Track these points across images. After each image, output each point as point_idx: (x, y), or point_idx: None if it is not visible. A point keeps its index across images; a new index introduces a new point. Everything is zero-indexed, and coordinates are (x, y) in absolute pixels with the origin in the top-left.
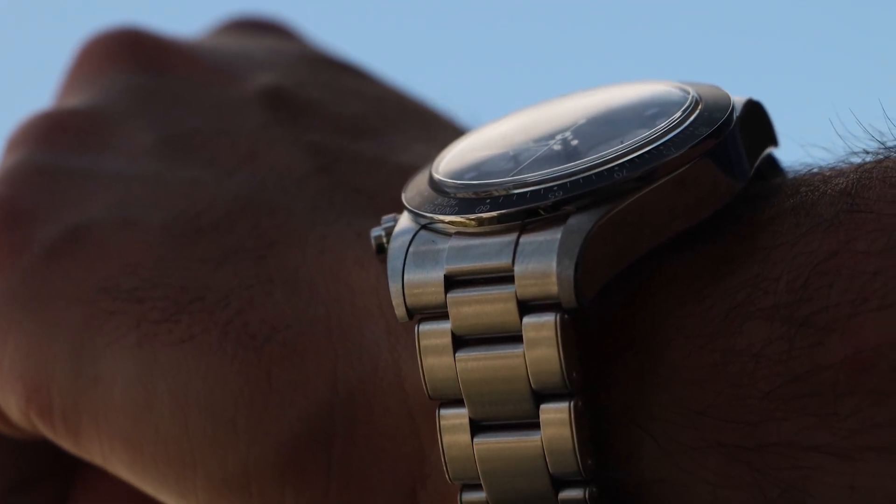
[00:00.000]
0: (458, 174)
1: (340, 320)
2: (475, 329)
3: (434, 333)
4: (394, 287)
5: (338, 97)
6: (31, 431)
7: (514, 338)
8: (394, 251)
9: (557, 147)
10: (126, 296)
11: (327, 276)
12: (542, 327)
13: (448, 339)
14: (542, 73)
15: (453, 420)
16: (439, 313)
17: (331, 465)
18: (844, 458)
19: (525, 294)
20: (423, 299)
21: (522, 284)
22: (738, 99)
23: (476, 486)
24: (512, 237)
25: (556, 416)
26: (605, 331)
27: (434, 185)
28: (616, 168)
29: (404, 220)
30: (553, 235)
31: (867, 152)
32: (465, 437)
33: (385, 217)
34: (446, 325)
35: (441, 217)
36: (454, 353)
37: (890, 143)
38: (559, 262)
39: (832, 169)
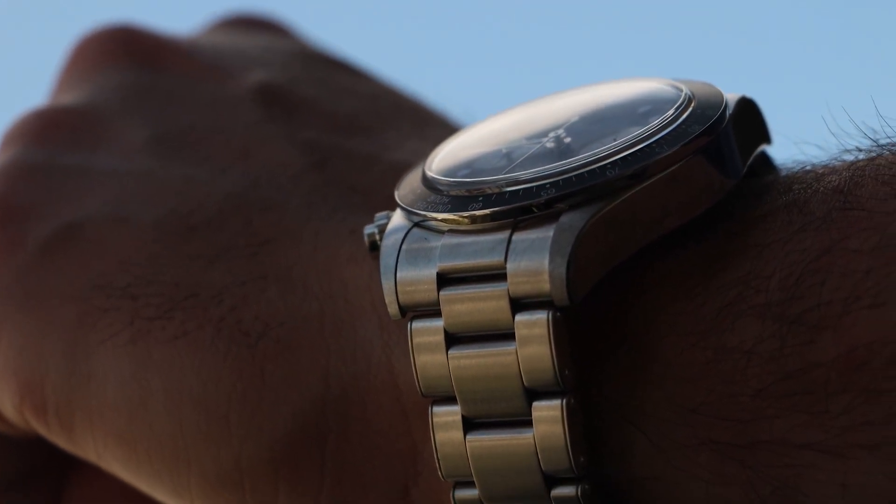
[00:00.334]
0: (451, 172)
1: (334, 317)
2: (468, 327)
3: (426, 331)
4: (386, 285)
5: (332, 94)
6: (25, 429)
7: (507, 335)
8: (387, 249)
9: (550, 145)
10: (120, 293)
11: (321, 272)
12: (534, 325)
13: (441, 337)
14: (536, 71)
15: (446, 417)
16: (432, 311)
17: (324, 462)
18: (836, 456)
19: (517, 292)
20: (416, 297)
21: (515, 282)
22: (731, 96)
23: (469, 484)
24: (504, 235)
25: (548, 413)
26: (598, 328)
27: (427, 182)
28: (608, 166)
29: (397, 218)
30: (545, 233)
31: (860, 150)
32: (458, 434)
33: (378, 214)
34: (439, 323)
35: (434, 215)
36: (447, 350)
37: (883, 141)
38: (551, 260)
39: (825, 167)
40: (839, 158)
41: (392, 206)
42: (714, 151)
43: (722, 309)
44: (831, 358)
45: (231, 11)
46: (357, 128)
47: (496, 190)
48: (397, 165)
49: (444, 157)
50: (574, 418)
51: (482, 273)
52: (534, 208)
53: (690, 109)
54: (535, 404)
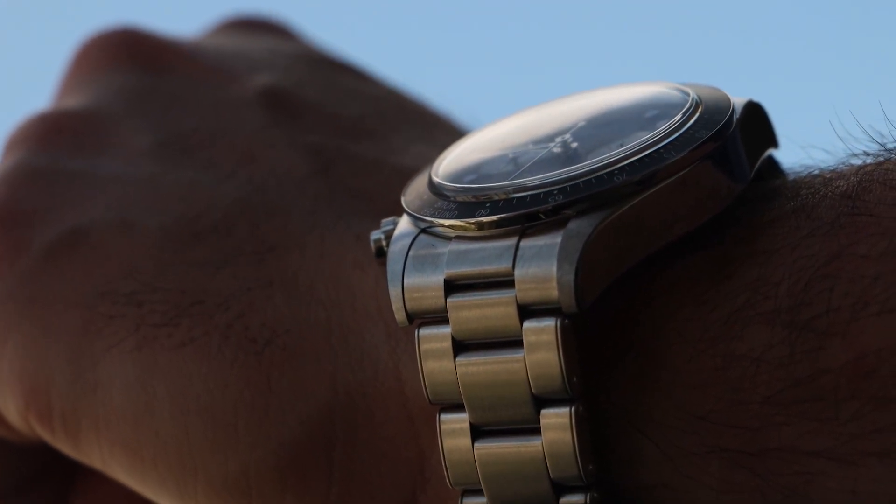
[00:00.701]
0: (458, 177)
1: (340, 324)
2: (475, 333)
3: (434, 338)
4: (394, 291)
5: (337, 97)
6: (30, 435)
7: (515, 342)
8: (393, 255)
9: (557, 150)
10: (125, 300)
11: (327, 279)
12: (542, 332)
13: (448, 344)
14: (543, 74)
15: (454, 425)
16: (439, 317)
17: (331, 469)
18: (846, 463)
19: (525, 299)
20: (423, 304)
21: (523, 289)
22: (738, 100)
23: (477, 492)
24: (512, 241)
25: (556, 420)
26: (606, 335)
27: (433, 188)
28: (616, 172)
29: (404, 224)
30: (553, 240)
31: (868, 154)
32: (466, 441)
33: (384, 220)
34: (446, 330)
35: (441, 221)
36: (454, 357)
37: (890, 145)
38: (559, 267)
39: (832, 171)
40: (847, 163)
41: (398, 210)
42: (721, 156)
43: (730, 316)
44: (840, 365)
45: (235, 13)
46: (362, 131)
47: (503, 196)
48: (403, 170)
49: (450, 162)
50: (582, 426)
51: (490, 280)
52: (541, 214)
53: (698, 114)
54: (544, 412)
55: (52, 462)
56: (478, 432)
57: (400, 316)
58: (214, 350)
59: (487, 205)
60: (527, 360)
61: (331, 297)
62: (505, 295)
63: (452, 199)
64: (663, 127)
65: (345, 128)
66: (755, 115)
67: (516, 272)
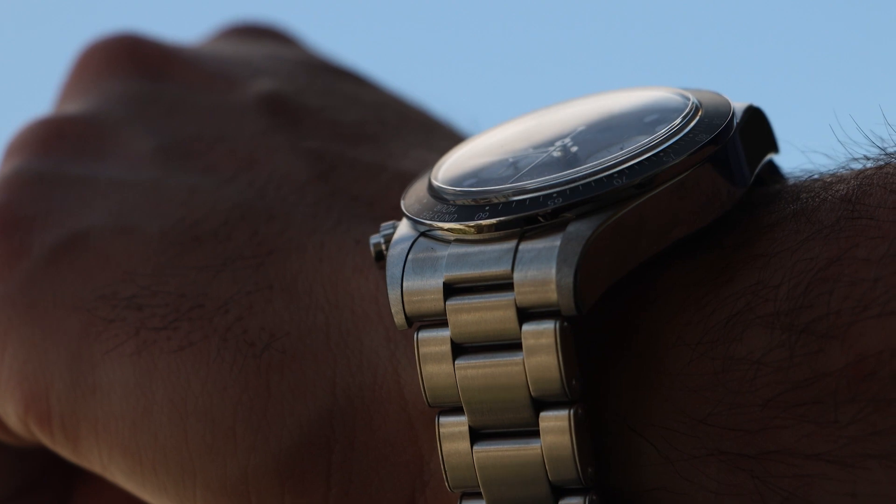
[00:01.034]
0: (457, 181)
1: (340, 327)
2: (474, 337)
3: (433, 341)
4: (392, 295)
5: (337, 103)
6: (29, 439)
7: (514, 345)
8: (393, 258)
9: (557, 154)
10: (125, 303)
11: (326, 283)
12: (541, 335)
13: (447, 347)
14: (543, 79)
15: (453, 428)
16: (438, 321)
17: (330, 472)
18: (846, 466)
19: (524, 301)
20: (422, 307)
21: (522, 292)
22: (738, 105)
23: (476, 495)
24: (511, 244)
25: (555, 423)
26: (605, 338)
27: (433, 191)
28: (615, 175)
29: (403, 228)
30: (552, 243)
31: (868, 158)
32: (465, 444)
33: (384, 224)
34: (445, 333)
35: (440, 224)
36: (453, 360)
37: (890, 149)
38: (558, 270)
39: (833, 175)
40: (847, 167)
41: (397, 215)
42: (721, 160)
43: (730, 319)
44: (840, 367)
45: (236, 20)
46: (362, 137)
47: (502, 199)
48: (403, 174)
49: (450, 167)
50: (581, 428)
51: (489, 283)
52: (540, 217)
53: (698, 118)
54: (543, 415)
55: (53, 466)
56: (477, 435)
57: (399, 319)
58: (213, 354)
59: (487, 208)
60: (526, 362)
61: (330, 301)
62: (504, 298)
63: (452, 202)
64: (663, 131)
65: (345, 133)
66: (756, 120)
67: (515, 275)
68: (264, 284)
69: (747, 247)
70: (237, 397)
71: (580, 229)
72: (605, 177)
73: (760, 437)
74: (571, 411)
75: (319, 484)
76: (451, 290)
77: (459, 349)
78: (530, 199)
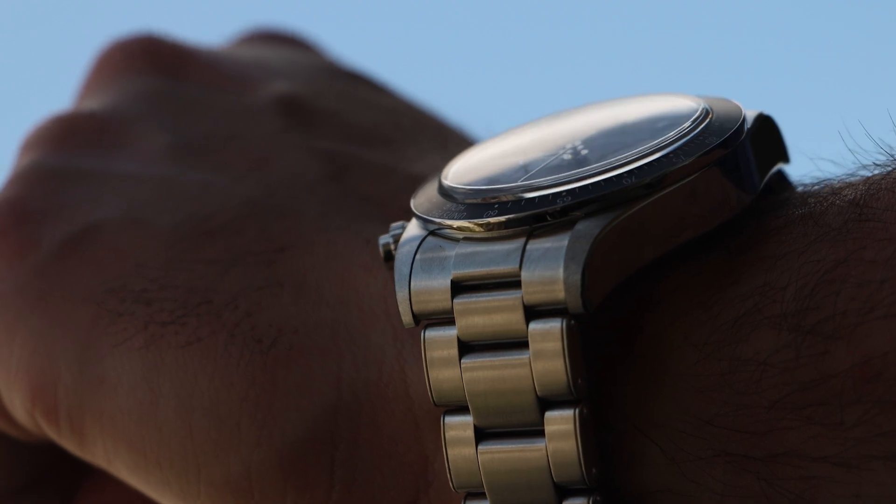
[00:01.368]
0: (467, 181)
1: (347, 325)
2: (481, 335)
3: (440, 339)
4: (400, 293)
5: (353, 107)
6: (36, 433)
7: (521, 343)
8: (401, 257)
9: (567, 157)
10: (135, 297)
11: (335, 281)
12: (548, 333)
13: (454, 346)
14: (556, 85)
15: (458, 427)
16: (445, 319)
17: (333, 469)
18: (851, 468)
19: (532, 300)
20: (430, 306)
21: (529, 290)
22: (749, 112)
23: (479, 495)
24: (519, 243)
25: (560, 422)
26: (611, 338)
27: (443, 191)
28: (625, 175)
29: (412, 227)
30: (560, 241)
31: (877, 165)
32: (470, 444)
33: (394, 224)
34: (452, 332)
35: (449, 222)
36: (460, 359)
37: None
38: (566, 268)
39: (841, 181)
40: (856, 174)
41: (408, 216)
42: (731, 164)
43: (737, 320)
44: (845, 368)
45: (256, 26)
46: (376, 140)
47: (512, 197)
48: (415, 178)
49: (460, 168)
50: (586, 428)
51: (497, 281)
52: (549, 216)
53: (708, 122)
54: (548, 414)
55: (58, 462)
56: (482, 435)
57: (406, 318)
58: (221, 349)
59: (496, 206)
60: (532, 360)
61: (338, 299)
62: (511, 296)
63: (461, 201)
64: (673, 133)
65: (359, 136)
66: (767, 128)
67: (523, 273)
68: (273, 281)
69: (754, 249)
70: (243, 393)
71: (589, 228)
72: (615, 176)
73: (767, 438)
74: (577, 411)
75: (323, 480)
76: (459, 288)
77: (466, 347)
78: (539, 197)
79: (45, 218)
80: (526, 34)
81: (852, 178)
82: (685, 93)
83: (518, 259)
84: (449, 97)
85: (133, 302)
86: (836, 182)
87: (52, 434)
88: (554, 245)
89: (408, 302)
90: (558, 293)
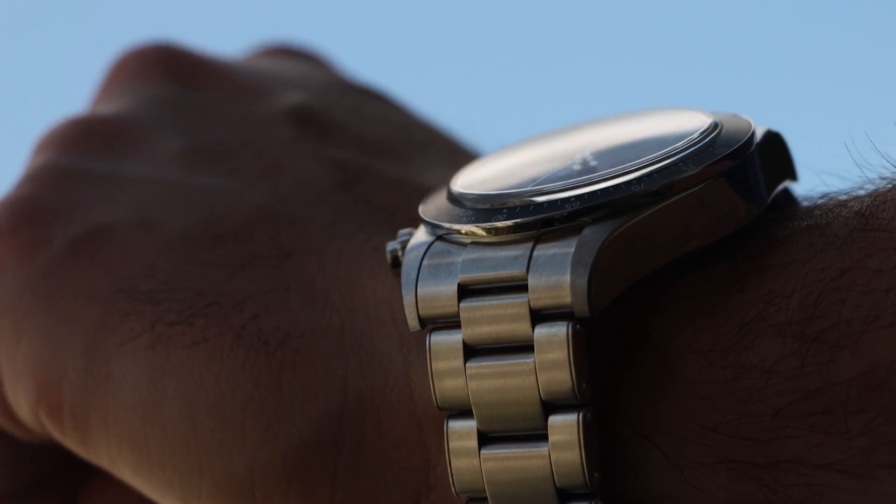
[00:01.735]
0: (476, 187)
1: (354, 330)
2: (487, 338)
3: (445, 343)
4: (407, 298)
5: (365, 120)
6: (40, 433)
7: (526, 347)
8: (408, 262)
9: (577, 167)
10: (143, 297)
11: (343, 287)
12: (553, 336)
13: (459, 350)
14: (570, 97)
15: (461, 432)
16: (451, 323)
17: (336, 472)
18: (856, 476)
19: (538, 304)
20: (436, 310)
21: (536, 294)
22: (759, 128)
23: (482, 500)
24: (526, 248)
25: (564, 427)
26: (617, 344)
27: (451, 197)
28: (633, 182)
29: (420, 233)
30: (568, 246)
31: (883, 179)
32: (473, 449)
33: (401, 231)
34: (458, 336)
35: (457, 227)
36: (465, 363)
37: None
38: (573, 272)
39: (847, 194)
40: (862, 187)
41: (417, 225)
42: (739, 176)
43: (742, 327)
44: (850, 377)
45: (272, 41)
46: (387, 151)
47: (520, 202)
48: (424, 189)
49: (469, 176)
50: (590, 433)
51: (503, 285)
52: (556, 221)
53: (717, 133)
54: (552, 419)
55: (62, 464)
56: (485, 439)
57: (412, 322)
58: (227, 350)
59: (504, 211)
60: (537, 364)
61: (345, 304)
62: (518, 300)
63: (470, 206)
64: (682, 143)
65: (370, 147)
66: (776, 145)
67: (530, 277)
68: (281, 285)
69: (759, 259)
70: (248, 394)
71: (596, 233)
72: (623, 183)
73: (771, 446)
74: (580, 415)
75: (325, 484)
76: (466, 291)
77: (471, 351)
78: (547, 202)
79: (56, 217)
80: (537, 47)
81: (858, 192)
82: (696, 107)
83: (525, 263)
84: (458, 109)
85: (141, 302)
86: (842, 195)
87: (55, 433)
88: (561, 250)
89: (414, 306)
90: (564, 297)
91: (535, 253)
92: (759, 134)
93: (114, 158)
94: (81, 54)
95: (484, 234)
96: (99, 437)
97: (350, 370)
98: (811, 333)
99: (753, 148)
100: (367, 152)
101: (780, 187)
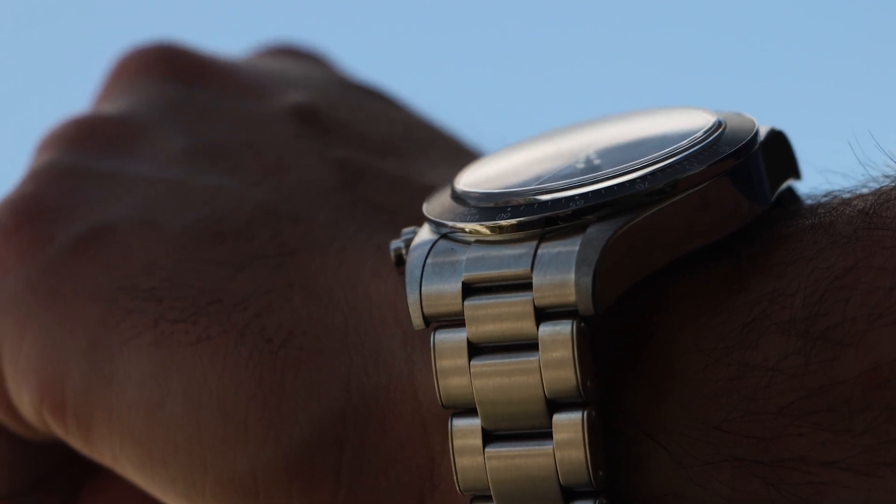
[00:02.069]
0: (480, 185)
1: (357, 328)
2: (491, 337)
3: (449, 341)
4: (411, 296)
5: (368, 119)
6: (43, 431)
7: (531, 346)
8: (412, 261)
9: (581, 165)
10: (145, 295)
11: (346, 285)
12: (558, 335)
13: (464, 348)
14: (572, 102)
15: (466, 430)
16: (455, 321)
17: (340, 471)
18: (860, 474)
19: (542, 302)
20: (440, 309)
21: (540, 293)
22: (763, 127)
23: (486, 498)
24: (531, 246)
25: (569, 425)
26: (621, 342)
27: (455, 195)
28: (637, 180)
29: (424, 232)
30: (572, 245)
31: (887, 177)
32: (477, 447)
33: (405, 230)
34: (462, 334)
35: (461, 225)
36: (469, 362)
37: None
38: (577, 270)
39: (850, 193)
40: (865, 185)
41: (420, 224)
42: (743, 175)
43: (746, 325)
44: (854, 375)
45: (274, 41)
46: (390, 151)
47: (524, 201)
48: (427, 188)
49: (472, 174)
50: (594, 431)
51: (507, 283)
52: (560, 219)
53: (721, 131)
54: (556, 417)
55: (64, 461)
56: (489, 437)
57: (417, 321)
58: (231, 348)
59: (508, 209)
60: (541, 362)
61: (349, 303)
62: (522, 298)
63: (473, 205)
64: (685, 141)
65: (373, 146)
66: (779, 143)
67: (534, 275)
68: (284, 283)
69: (763, 256)
70: (251, 392)
71: (600, 231)
72: (627, 181)
73: (775, 444)
74: (585, 413)
75: (328, 482)
76: (470, 290)
77: (475, 349)
78: (552, 200)
79: (58, 216)
80: (539, 46)
81: (862, 190)
82: (700, 106)
83: (529, 262)
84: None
85: (143, 300)
86: (845, 193)
87: (59, 431)
88: (565, 248)
89: (418, 304)
90: (569, 296)
91: (539, 251)
92: (763, 133)
93: (116, 158)
94: (83, 54)
95: (488, 232)
96: (102, 434)
97: (353, 369)
98: (815, 332)
99: (757, 147)
100: (369, 151)
101: (784, 186)
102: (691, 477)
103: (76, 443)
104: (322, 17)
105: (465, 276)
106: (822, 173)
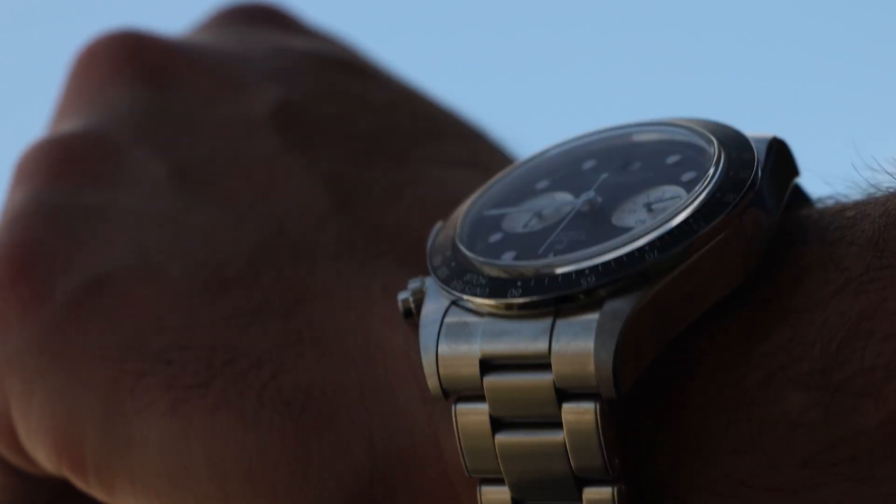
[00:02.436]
0: (483, 237)
1: (373, 386)
2: (514, 414)
3: (472, 413)
4: (431, 382)
5: (349, 109)
6: (61, 475)
7: (554, 423)
8: (426, 335)
9: (584, 209)
10: (154, 357)
11: (356, 334)
12: (582, 415)
13: (486, 422)
14: (574, 101)
15: (495, 496)
16: (476, 395)
17: None
18: None
19: (563, 384)
20: (459, 384)
21: (560, 376)
22: (758, 141)
23: None
24: (547, 322)
25: (599, 501)
26: (642, 408)
27: (460, 255)
28: (647, 248)
29: (432, 293)
30: (589, 325)
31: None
32: None
33: (411, 281)
34: (483, 408)
35: (472, 299)
36: (493, 434)
37: None
38: (597, 354)
39: (856, 207)
40: (870, 195)
41: (419, 249)
42: (752, 214)
43: (765, 380)
44: (875, 425)
45: (232, 2)
46: (379, 151)
47: (533, 275)
48: (421, 198)
49: (472, 219)
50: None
51: (526, 361)
52: (573, 298)
53: (724, 168)
54: (587, 491)
55: (68, 494)
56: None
57: (435, 392)
58: (250, 415)
59: (519, 283)
60: (567, 442)
61: (361, 354)
62: (542, 378)
63: (481, 272)
64: (689, 196)
65: (359, 149)
66: (778, 153)
67: (553, 358)
68: (294, 336)
69: (777, 300)
70: (277, 458)
71: (617, 308)
72: (637, 250)
73: (799, 496)
74: (615, 489)
75: None
76: (488, 366)
77: (499, 423)
78: (563, 275)
79: (55, 264)
80: (540, 47)
81: (867, 204)
82: (694, 115)
83: (546, 342)
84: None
85: (153, 363)
86: (850, 208)
87: (80, 485)
88: (583, 329)
89: (435, 373)
90: (590, 380)
91: (555, 329)
92: (762, 151)
93: (101, 188)
94: (37, 48)
95: (501, 307)
96: (125, 493)
97: (375, 430)
98: (833, 383)
99: (762, 179)
100: (356, 157)
101: (790, 188)
102: None
103: (98, 496)
104: (322, 18)
105: (483, 351)
106: (823, 178)
